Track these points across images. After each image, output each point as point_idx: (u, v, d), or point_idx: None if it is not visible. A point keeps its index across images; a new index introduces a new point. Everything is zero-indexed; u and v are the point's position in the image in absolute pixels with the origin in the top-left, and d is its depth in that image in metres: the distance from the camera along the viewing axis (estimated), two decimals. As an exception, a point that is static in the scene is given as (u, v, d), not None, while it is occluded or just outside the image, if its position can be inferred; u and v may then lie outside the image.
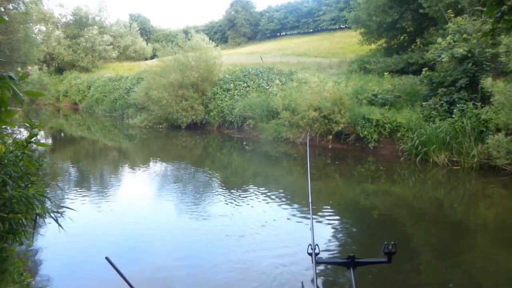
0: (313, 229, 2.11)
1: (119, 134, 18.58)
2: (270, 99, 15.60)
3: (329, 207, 7.30)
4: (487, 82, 9.74)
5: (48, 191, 4.33)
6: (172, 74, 18.27)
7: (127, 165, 12.19)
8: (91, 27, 38.06)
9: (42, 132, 17.14)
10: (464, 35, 10.95)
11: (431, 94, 11.54)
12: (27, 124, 3.49)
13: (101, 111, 26.83)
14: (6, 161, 3.22)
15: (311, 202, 2.36)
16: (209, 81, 18.78)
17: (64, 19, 39.70)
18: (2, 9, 18.81)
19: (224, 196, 8.00)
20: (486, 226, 6.66)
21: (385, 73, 14.79)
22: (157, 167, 11.62)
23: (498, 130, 9.24)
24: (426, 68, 12.03)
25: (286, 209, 7.14)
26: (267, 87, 17.20)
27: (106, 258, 1.35)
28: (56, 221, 3.62)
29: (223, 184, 9.26)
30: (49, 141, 16.81)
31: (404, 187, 9.09)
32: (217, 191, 8.52)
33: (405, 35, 18.87)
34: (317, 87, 13.51)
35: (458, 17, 11.88)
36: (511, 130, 9.01)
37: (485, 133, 9.55)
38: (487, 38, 9.86)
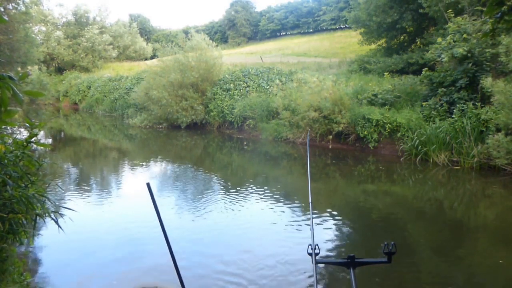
0: (313, 229, 2.10)
1: (119, 134, 18.58)
2: (270, 99, 15.60)
3: (329, 207, 7.29)
4: (487, 82, 9.74)
5: (48, 191, 4.33)
6: (172, 74, 18.28)
7: (127, 165, 12.18)
8: (91, 27, 38.08)
9: (42, 132, 17.14)
10: (464, 35, 10.95)
11: (431, 94, 11.54)
12: (27, 124, 3.49)
13: (101, 111, 26.83)
14: (6, 161, 3.22)
15: (311, 202, 2.36)
16: (209, 81, 18.77)
17: (64, 19, 39.73)
18: (2, 9, 18.80)
19: (223, 196, 8.00)
20: (486, 226, 6.66)
21: (385, 73, 14.79)
22: (157, 167, 11.62)
23: (498, 130, 9.23)
24: (426, 68, 12.03)
25: (286, 209, 7.14)
26: (267, 87, 17.20)
27: (147, 184, 1.36)
28: (56, 222, 3.62)
29: (223, 184, 9.26)
30: (49, 141, 16.81)
31: (404, 187, 9.09)
32: (217, 191, 8.52)
33: (405, 35, 18.88)
34: (316, 87, 13.51)
35: (458, 17, 11.87)
36: (511, 130, 9.01)
37: (485, 133, 9.55)
38: (487, 38, 9.87)
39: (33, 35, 26.09)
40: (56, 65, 39.79)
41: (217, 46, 20.71)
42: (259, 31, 50.40)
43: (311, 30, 45.99)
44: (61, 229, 3.69)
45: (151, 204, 1.47)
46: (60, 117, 27.42)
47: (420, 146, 10.49)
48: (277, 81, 17.00)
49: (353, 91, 13.50)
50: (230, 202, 7.51)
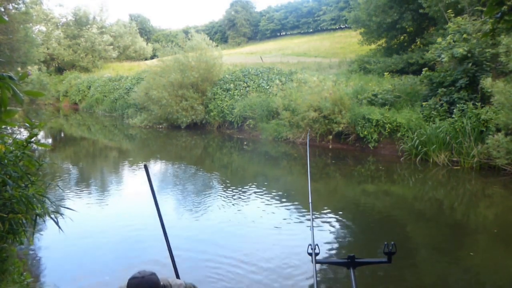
0: (313, 229, 2.11)
1: (119, 134, 18.58)
2: (270, 99, 15.59)
3: (329, 207, 7.29)
4: (487, 82, 9.74)
5: (48, 191, 4.33)
6: (172, 74, 18.28)
7: (127, 165, 12.18)
8: (90, 27, 38.08)
9: (42, 132, 17.13)
10: (464, 35, 10.95)
11: (431, 94, 11.53)
12: (27, 124, 3.49)
13: (101, 111, 26.83)
14: (6, 161, 3.22)
15: (311, 202, 2.36)
16: (209, 81, 18.77)
17: (64, 19, 39.73)
18: (2, 9, 18.81)
19: (223, 196, 7.99)
20: (486, 226, 6.66)
21: (385, 73, 14.79)
22: (157, 167, 11.62)
23: (498, 130, 9.23)
24: (426, 68, 12.03)
25: (286, 209, 7.13)
26: (267, 87, 17.19)
27: (145, 165, 1.41)
28: (56, 222, 3.62)
29: (223, 184, 9.26)
30: (49, 141, 16.81)
31: (404, 187, 9.09)
32: (217, 191, 8.52)
33: (405, 35, 18.87)
34: (316, 87, 13.51)
35: (458, 17, 11.87)
36: (511, 130, 9.01)
37: (485, 133, 9.55)
38: (487, 38, 9.86)
39: (33, 35, 26.10)
40: (56, 65, 39.79)
41: (217, 46, 20.71)
42: (259, 31, 50.36)
43: (311, 30, 45.95)
44: (61, 229, 3.69)
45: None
46: (60, 117, 27.42)
47: (420, 146, 10.49)
48: (277, 81, 17.00)
49: (353, 91, 13.49)
50: (230, 202, 7.51)
